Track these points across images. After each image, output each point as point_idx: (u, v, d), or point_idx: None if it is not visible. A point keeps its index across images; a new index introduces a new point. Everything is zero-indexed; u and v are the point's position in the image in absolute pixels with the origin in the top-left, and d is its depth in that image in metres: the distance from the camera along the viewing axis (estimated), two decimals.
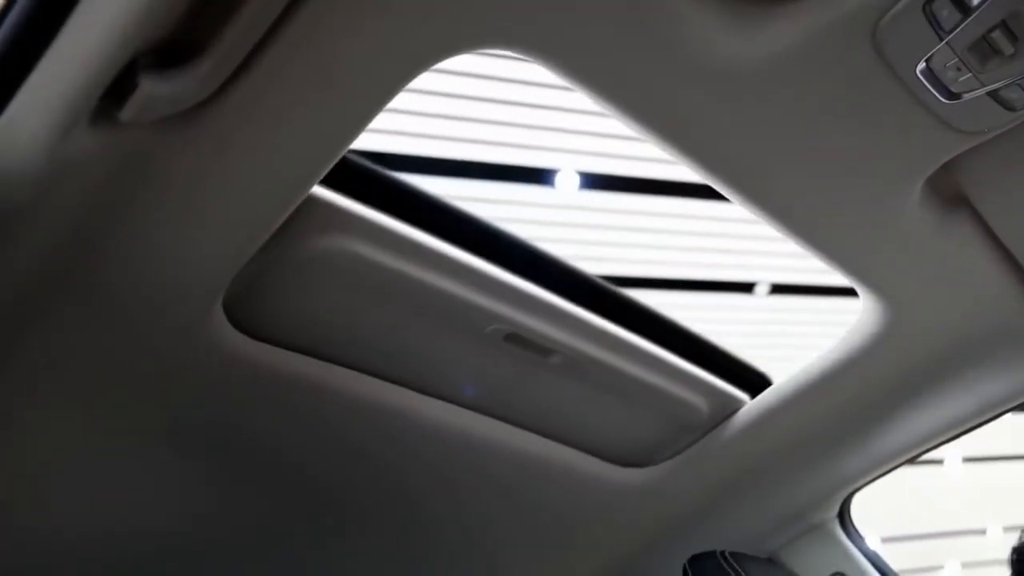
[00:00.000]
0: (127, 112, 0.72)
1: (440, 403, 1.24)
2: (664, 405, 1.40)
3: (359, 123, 0.83)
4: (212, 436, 1.17)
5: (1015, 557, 1.44)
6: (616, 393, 1.35)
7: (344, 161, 0.93)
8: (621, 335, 1.28)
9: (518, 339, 1.19)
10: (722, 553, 1.38)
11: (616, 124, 0.93)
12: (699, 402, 1.43)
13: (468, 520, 1.46)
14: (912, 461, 1.53)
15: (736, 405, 1.46)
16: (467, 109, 4.73)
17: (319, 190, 0.96)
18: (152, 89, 0.71)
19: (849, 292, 1.26)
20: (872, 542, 1.66)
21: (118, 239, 0.87)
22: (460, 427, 1.28)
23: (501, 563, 1.56)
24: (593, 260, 5.83)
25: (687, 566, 1.36)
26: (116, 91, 0.71)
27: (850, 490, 1.57)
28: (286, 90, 0.78)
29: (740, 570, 1.34)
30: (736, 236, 5.73)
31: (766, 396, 1.39)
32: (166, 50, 0.71)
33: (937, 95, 0.88)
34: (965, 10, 0.82)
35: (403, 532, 1.44)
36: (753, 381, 1.48)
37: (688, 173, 1.00)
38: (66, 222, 0.83)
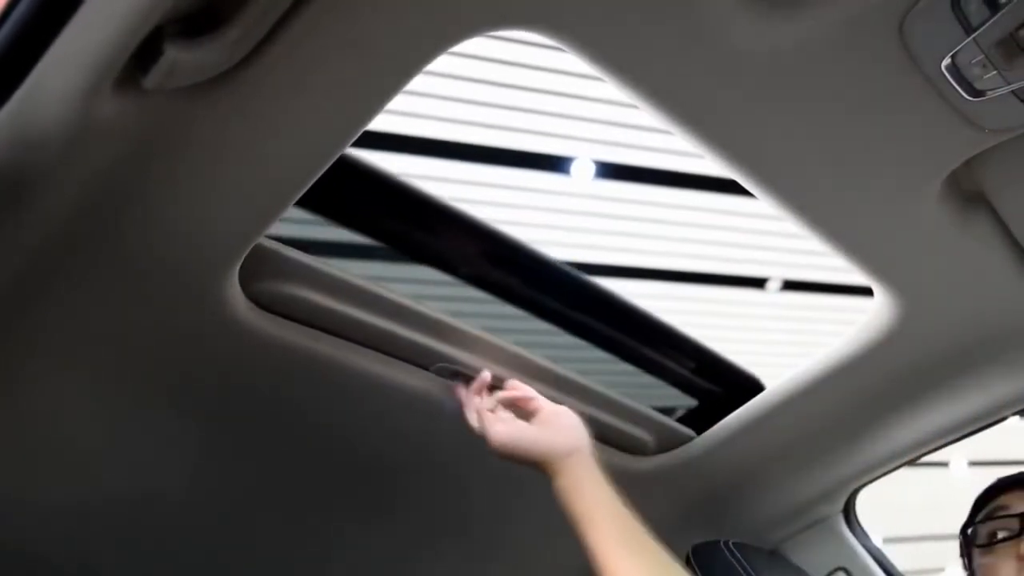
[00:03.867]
0: (152, 79, 0.72)
1: (455, 386, 1.24)
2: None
3: (382, 98, 0.83)
4: (223, 407, 1.18)
5: None
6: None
7: None
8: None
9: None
10: (726, 543, 1.38)
11: (633, 114, 0.93)
12: (644, 436, 1.47)
13: (479, 499, 1.46)
14: (919, 460, 1.52)
15: (681, 440, 1.50)
16: (485, 94, 4.72)
17: (267, 241, 1.01)
18: (177, 57, 0.71)
19: (860, 291, 1.26)
20: (875, 542, 1.66)
21: (138, 206, 0.87)
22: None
23: (510, 541, 1.56)
24: (604, 250, 5.82)
25: (690, 554, 1.36)
26: (141, 58, 0.71)
27: (855, 486, 1.57)
28: (310, 62, 0.78)
29: (743, 560, 1.34)
30: (749, 231, 5.71)
31: (776, 388, 1.39)
32: (192, 18, 0.71)
33: (961, 92, 0.88)
34: (994, 6, 0.81)
35: (414, 509, 1.44)
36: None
37: (703, 166, 1.00)
38: (87, 187, 0.83)
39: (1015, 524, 1.26)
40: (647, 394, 1.52)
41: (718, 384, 1.53)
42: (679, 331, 1.49)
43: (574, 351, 1.46)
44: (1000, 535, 1.28)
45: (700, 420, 1.50)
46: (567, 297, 1.36)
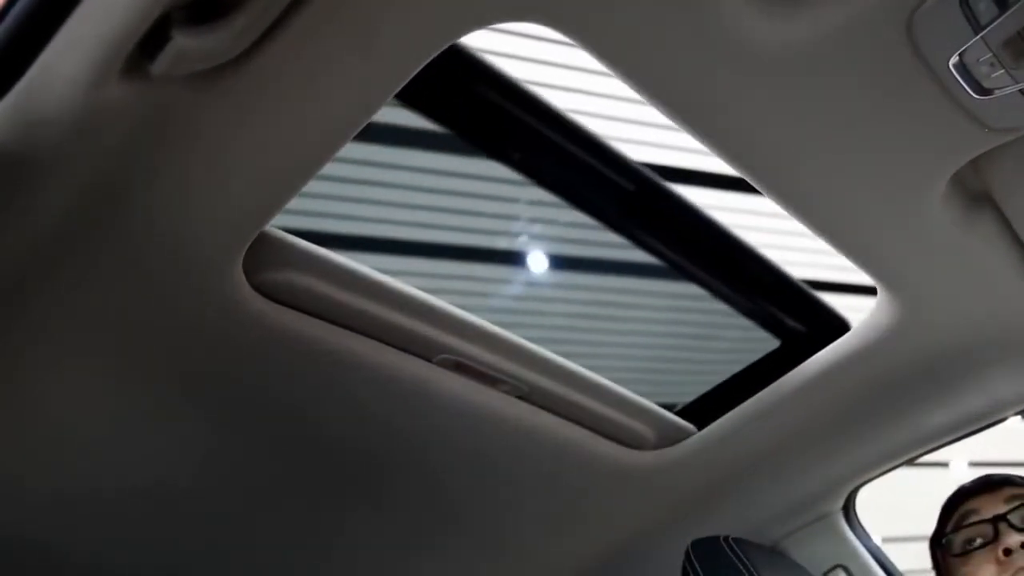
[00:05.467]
0: (159, 65, 0.72)
1: (458, 377, 1.25)
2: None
3: (388, 89, 0.83)
4: (225, 395, 1.18)
5: None
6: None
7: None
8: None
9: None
10: (725, 538, 1.38)
11: (637, 110, 0.93)
12: (644, 430, 1.46)
13: (479, 493, 1.46)
14: (919, 459, 1.52)
15: (682, 435, 1.48)
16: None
17: (272, 230, 1.01)
18: (185, 43, 0.71)
19: (863, 291, 1.25)
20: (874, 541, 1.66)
21: (143, 192, 0.87)
22: (477, 401, 1.28)
23: (510, 539, 1.56)
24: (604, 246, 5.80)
25: (690, 549, 1.36)
26: (149, 43, 0.71)
27: (856, 484, 1.57)
28: (316, 52, 0.78)
29: (742, 556, 1.34)
30: (752, 229, 5.70)
31: (777, 385, 1.39)
32: (199, 5, 0.71)
33: (968, 90, 0.88)
34: (1003, 5, 0.81)
35: (415, 501, 1.44)
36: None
37: (705, 162, 0.99)
38: (93, 172, 0.83)
39: (988, 529, 1.25)
40: (646, 391, 1.51)
41: (803, 323, 1.43)
42: (769, 260, 1.37)
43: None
44: (976, 542, 1.26)
45: (701, 414, 1.50)
46: (650, 208, 1.25)
